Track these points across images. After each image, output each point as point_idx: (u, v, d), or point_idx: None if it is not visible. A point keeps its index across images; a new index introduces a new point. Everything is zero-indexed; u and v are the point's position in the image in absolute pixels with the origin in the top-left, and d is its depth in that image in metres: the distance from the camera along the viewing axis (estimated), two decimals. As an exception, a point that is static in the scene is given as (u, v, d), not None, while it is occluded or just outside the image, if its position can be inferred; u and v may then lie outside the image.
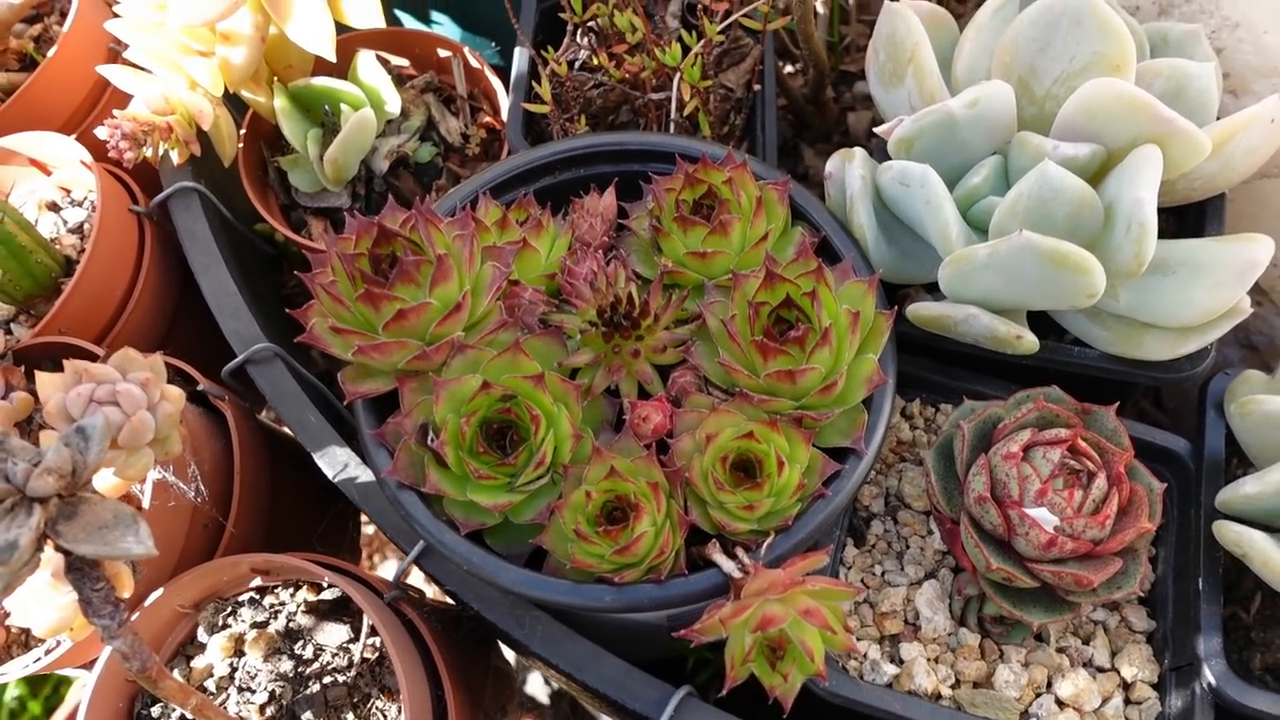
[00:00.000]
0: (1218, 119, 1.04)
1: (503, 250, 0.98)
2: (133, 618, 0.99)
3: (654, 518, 0.88)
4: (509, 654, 1.45)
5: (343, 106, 1.29)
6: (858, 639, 1.00)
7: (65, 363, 0.92)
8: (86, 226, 1.29)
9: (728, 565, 0.88)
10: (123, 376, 0.93)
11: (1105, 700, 0.98)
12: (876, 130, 1.12)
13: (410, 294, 0.91)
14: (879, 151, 1.16)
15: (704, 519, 0.91)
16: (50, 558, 0.88)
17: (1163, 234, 1.00)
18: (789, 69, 1.73)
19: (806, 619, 0.83)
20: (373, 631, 1.03)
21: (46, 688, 1.98)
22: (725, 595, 0.89)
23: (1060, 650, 1.00)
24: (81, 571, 0.81)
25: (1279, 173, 1.21)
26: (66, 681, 1.95)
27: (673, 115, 1.26)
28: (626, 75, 1.27)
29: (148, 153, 1.23)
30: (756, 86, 1.31)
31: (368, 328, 0.92)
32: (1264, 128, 1.04)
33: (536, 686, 1.91)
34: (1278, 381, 1.05)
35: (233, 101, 1.33)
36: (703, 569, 0.90)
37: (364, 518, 1.55)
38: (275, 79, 1.30)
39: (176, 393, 0.94)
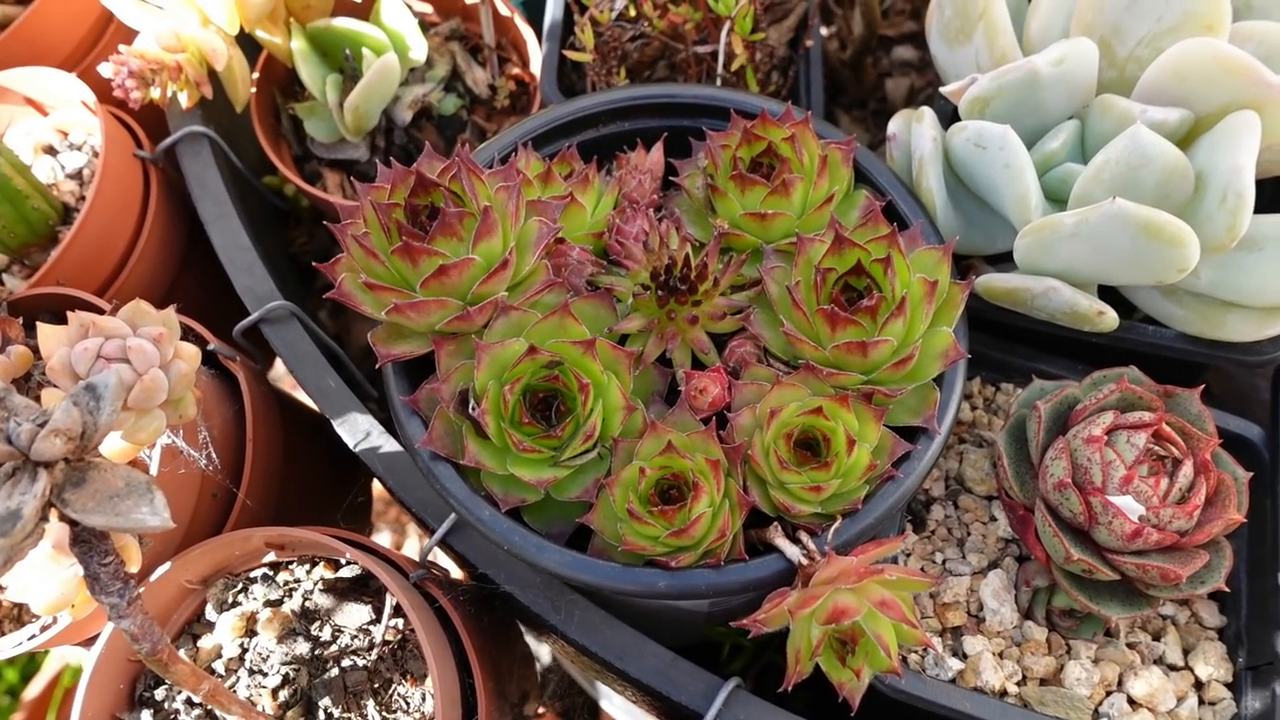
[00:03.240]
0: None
1: (548, 205, 0.90)
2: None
3: (712, 498, 0.82)
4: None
5: (364, 51, 1.21)
6: (917, 631, 0.94)
7: (70, 315, 0.84)
8: (86, 172, 1.20)
9: (792, 551, 0.81)
10: (133, 331, 0.86)
11: (1180, 700, 0.92)
12: (944, 90, 1.04)
13: (452, 249, 0.83)
14: (939, 117, 1.09)
15: (764, 500, 0.84)
16: (53, 528, 0.81)
17: (1245, 208, 0.93)
18: (824, 32, 1.65)
19: (883, 611, 0.77)
20: (396, 612, 0.95)
21: (22, 655, 1.89)
22: (784, 583, 0.82)
23: (1130, 646, 0.95)
24: (89, 544, 0.74)
25: (1357, 149, 1.15)
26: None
27: (719, 70, 1.18)
28: (669, 25, 1.19)
29: (155, 93, 1.15)
30: (808, 43, 1.23)
31: (404, 284, 0.85)
32: (1357, 98, 0.98)
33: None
34: (1362, 368, 0.99)
35: (245, 43, 1.24)
36: (762, 554, 0.83)
37: (376, 488, 1.48)
38: (292, 19, 1.21)
39: (192, 350, 0.87)
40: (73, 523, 0.71)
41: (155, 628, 0.78)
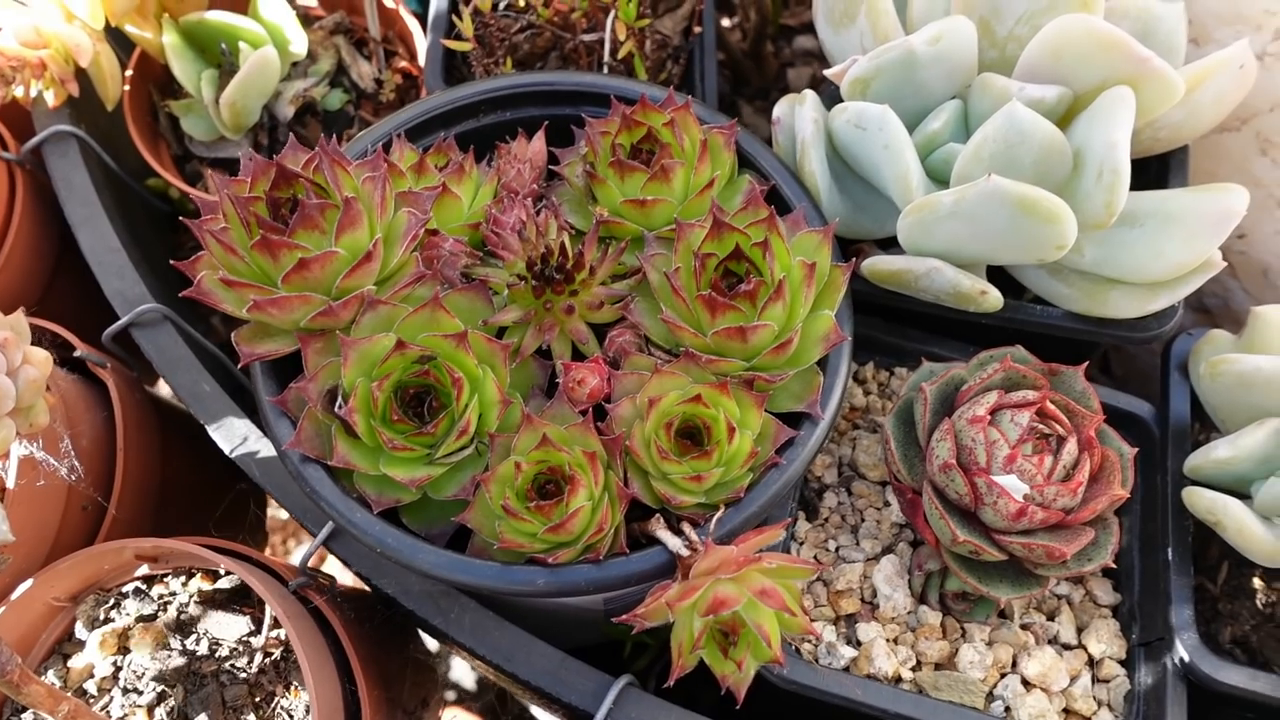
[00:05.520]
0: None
1: (419, 196, 0.87)
2: (-5, 613, 0.87)
3: (591, 491, 0.79)
4: (429, 639, 1.35)
5: (241, 45, 1.17)
6: (812, 620, 0.92)
7: (-92, 321, 0.80)
8: (-51, 177, 1.15)
9: (673, 542, 0.80)
10: (-23, 337, 0.82)
11: (1073, 679, 0.92)
12: (827, 73, 1.03)
13: (313, 241, 0.80)
14: (828, 100, 1.08)
15: (646, 492, 0.82)
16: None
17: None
18: (726, 23, 1.64)
19: (762, 600, 0.75)
20: (277, 622, 0.92)
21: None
22: (670, 576, 0.80)
23: (1025, 627, 0.94)
24: (-77, 561, 0.70)
25: (1238, 126, 1.16)
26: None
27: (606, 59, 1.16)
28: (556, 15, 1.17)
29: (18, 92, 1.10)
30: (698, 29, 1.22)
31: (265, 280, 0.81)
32: (1232, 74, 0.99)
33: (462, 672, 1.81)
34: (1245, 341, 1.00)
35: (118, 39, 1.19)
36: (645, 547, 0.81)
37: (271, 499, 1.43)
38: (165, 13, 1.17)
39: (42, 355, 0.83)
40: (-99, 539, 0.67)
41: (3, 646, 0.74)
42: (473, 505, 0.81)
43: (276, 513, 1.93)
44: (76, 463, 0.91)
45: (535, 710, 1.67)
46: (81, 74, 1.14)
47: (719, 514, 0.81)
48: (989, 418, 0.86)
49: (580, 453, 0.80)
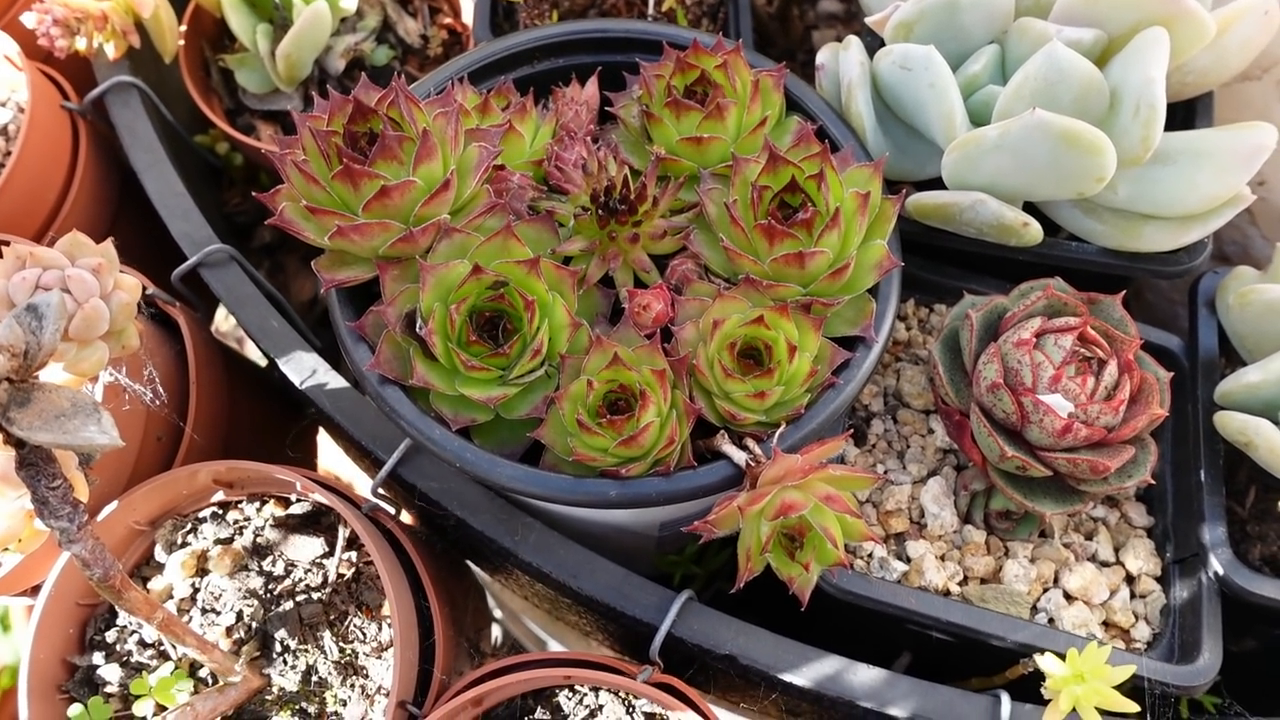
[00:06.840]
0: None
1: (488, 132, 0.91)
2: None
3: (660, 407, 0.83)
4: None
5: (294, 0, 1.20)
6: (862, 539, 0.97)
7: (5, 248, 0.84)
8: (11, 127, 1.18)
9: (739, 455, 0.84)
10: (72, 262, 0.85)
11: (1113, 593, 0.96)
12: (869, 20, 1.07)
13: (392, 171, 0.84)
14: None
15: (710, 410, 0.86)
16: (-5, 460, 0.80)
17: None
18: (750, -14, 1.68)
19: (828, 504, 0.79)
20: (349, 545, 0.96)
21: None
22: (733, 489, 0.84)
23: (1065, 545, 0.98)
24: (36, 467, 0.73)
25: (1259, 74, 1.20)
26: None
27: (649, 12, 1.20)
28: (599, -31, 1.21)
29: (81, 44, 1.13)
30: (735, -16, 1.26)
31: (346, 208, 0.85)
32: (1258, 19, 1.03)
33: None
34: (1271, 274, 1.04)
35: (169, -5, 1.23)
36: (709, 463, 0.85)
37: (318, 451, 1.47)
38: (220, -32, 1.21)
39: (132, 281, 0.86)
40: (19, 443, 0.71)
41: (107, 553, 0.78)
42: (546, 422, 0.85)
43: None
44: (159, 387, 0.94)
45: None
46: (139, 27, 1.17)
47: (781, 429, 0.85)
48: (1034, 341, 0.90)
49: (649, 371, 0.84)
